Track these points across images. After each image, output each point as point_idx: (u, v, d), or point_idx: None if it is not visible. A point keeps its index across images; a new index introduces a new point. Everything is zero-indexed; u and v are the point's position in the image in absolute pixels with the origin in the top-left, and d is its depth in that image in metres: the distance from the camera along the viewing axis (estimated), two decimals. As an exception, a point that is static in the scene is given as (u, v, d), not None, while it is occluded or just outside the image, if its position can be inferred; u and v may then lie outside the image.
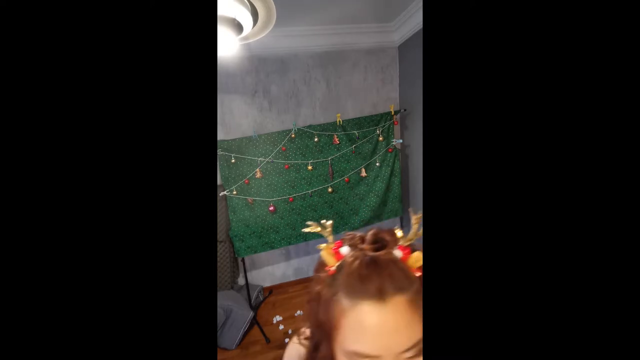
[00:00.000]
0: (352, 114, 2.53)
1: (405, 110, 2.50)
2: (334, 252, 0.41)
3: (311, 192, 2.34)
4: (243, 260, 2.38)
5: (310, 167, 2.30)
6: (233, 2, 0.72)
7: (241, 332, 2.12)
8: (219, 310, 2.11)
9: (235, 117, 2.37)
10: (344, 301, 0.37)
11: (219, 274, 2.37)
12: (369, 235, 0.42)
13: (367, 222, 2.53)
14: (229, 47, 0.84)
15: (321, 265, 0.42)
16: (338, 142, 2.33)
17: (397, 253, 0.39)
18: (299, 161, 2.29)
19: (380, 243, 0.41)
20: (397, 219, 2.74)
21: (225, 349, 2.09)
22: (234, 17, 0.75)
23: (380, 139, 2.39)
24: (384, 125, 2.39)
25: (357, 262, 0.38)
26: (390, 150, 2.42)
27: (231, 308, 2.16)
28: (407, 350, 0.35)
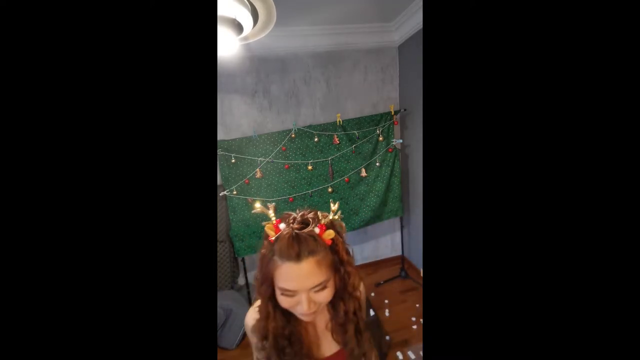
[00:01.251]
0: (352, 114, 2.53)
1: (405, 110, 2.50)
2: (275, 227, 0.59)
3: (311, 192, 2.34)
4: (243, 260, 2.38)
5: (310, 167, 2.30)
6: (233, 2, 0.72)
7: (241, 332, 2.12)
8: (219, 310, 2.11)
9: (235, 117, 2.37)
10: (277, 260, 0.56)
11: (219, 274, 2.37)
12: (299, 216, 0.60)
13: (368, 222, 2.53)
14: (229, 47, 0.84)
15: (265, 236, 0.60)
16: (338, 142, 2.33)
17: (316, 230, 0.57)
18: (299, 161, 2.29)
19: (305, 223, 0.59)
20: (397, 219, 2.74)
21: (225, 349, 2.09)
22: (234, 17, 0.75)
23: (380, 139, 2.39)
24: (384, 125, 2.39)
25: (286, 236, 0.56)
26: (390, 150, 2.42)
27: (231, 308, 2.16)
28: (313, 287, 0.56)
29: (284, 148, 2.25)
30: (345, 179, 2.39)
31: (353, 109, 2.57)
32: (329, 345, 0.70)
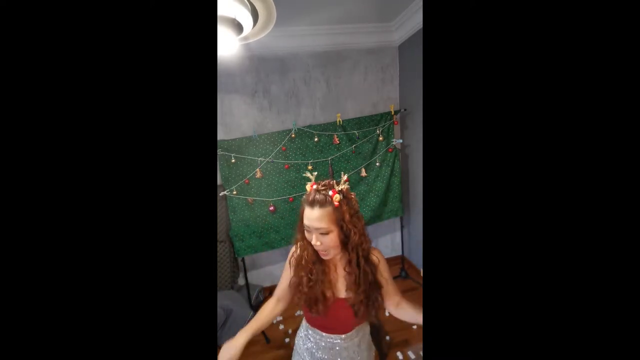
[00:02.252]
0: (352, 114, 2.53)
1: (405, 110, 2.49)
2: (311, 187, 0.87)
3: (311, 192, 2.34)
4: (243, 260, 2.38)
5: (310, 167, 2.30)
6: (233, 2, 0.72)
7: (241, 332, 2.12)
8: (219, 310, 2.11)
9: (235, 117, 2.37)
10: (304, 204, 0.85)
11: (219, 274, 2.37)
12: (322, 183, 0.87)
13: (368, 222, 2.52)
14: (229, 47, 0.84)
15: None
16: (338, 142, 2.33)
17: (329, 193, 0.83)
18: (299, 161, 2.29)
19: (325, 187, 0.85)
20: (397, 219, 2.74)
21: (225, 349, 2.09)
22: (234, 17, 0.75)
23: (380, 138, 2.39)
24: (384, 125, 2.39)
25: (312, 192, 0.84)
26: (390, 150, 2.42)
27: (231, 308, 2.16)
28: (319, 229, 0.82)
29: (284, 148, 2.25)
30: (345, 178, 2.39)
31: (353, 109, 2.57)
32: (345, 289, 0.92)
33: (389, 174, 2.45)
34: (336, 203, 0.81)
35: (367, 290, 0.88)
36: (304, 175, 0.94)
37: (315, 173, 0.90)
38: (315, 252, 0.89)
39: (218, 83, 2.23)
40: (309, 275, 0.91)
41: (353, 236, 0.84)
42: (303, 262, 0.92)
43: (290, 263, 0.97)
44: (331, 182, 0.87)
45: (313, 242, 0.83)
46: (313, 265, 0.91)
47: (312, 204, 0.82)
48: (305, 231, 0.86)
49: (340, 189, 0.85)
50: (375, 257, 0.92)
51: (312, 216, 0.81)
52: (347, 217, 0.83)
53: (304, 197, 0.86)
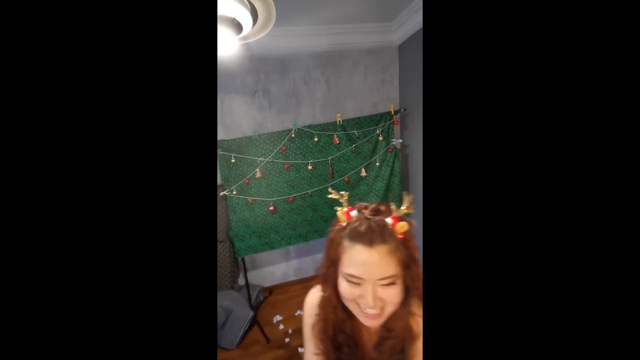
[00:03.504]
0: (352, 113, 2.53)
1: (405, 110, 2.49)
2: (346, 214, 0.60)
3: (311, 192, 2.34)
4: (243, 260, 2.38)
5: (310, 167, 2.30)
6: (233, 2, 0.72)
7: (241, 332, 2.12)
8: (219, 310, 2.11)
9: (235, 117, 2.36)
10: (345, 243, 0.56)
11: (219, 274, 2.37)
12: (372, 206, 0.60)
13: (367, 222, 2.52)
14: (229, 47, 0.84)
15: (335, 221, 0.62)
16: (338, 142, 2.32)
17: (388, 220, 0.56)
18: (299, 161, 2.29)
19: (378, 212, 0.58)
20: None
21: (225, 349, 2.09)
22: (233, 17, 0.75)
23: (380, 138, 2.39)
24: (384, 125, 2.39)
25: (360, 221, 0.56)
26: (390, 150, 2.42)
27: (231, 308, 2.16)
28: (382, 279, 0.53)
29: (283, 148, 2.25)
30: (345, 178, 2.39)
31: (353, 109, 2.57)
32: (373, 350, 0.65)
33: (389, 174, 2.45)
34: (401, 235, 0.55)
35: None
36: (329, 196, 0.66)
37: (347, 193, 0.64)
38: (348, 313, 0.60)
39: (218, 83, 2.23)
40: (340, 354, 0.62)
41: (417, 281, 0.56)
42: (331, 333, 0.62)
43: (312, 331, 0.65)
44: (380, 207, 0.58)
45: (369, 303, 0.53)
46: (344, 335, 0.62)
47: (371, 240, 0.52)
48: (345, 282, 0.55)
49: (402, 214, 0.57)
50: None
51: (371, 259, 0.52)
52: (415, 253, 0.56)
53: (343, 232, 0.57)
